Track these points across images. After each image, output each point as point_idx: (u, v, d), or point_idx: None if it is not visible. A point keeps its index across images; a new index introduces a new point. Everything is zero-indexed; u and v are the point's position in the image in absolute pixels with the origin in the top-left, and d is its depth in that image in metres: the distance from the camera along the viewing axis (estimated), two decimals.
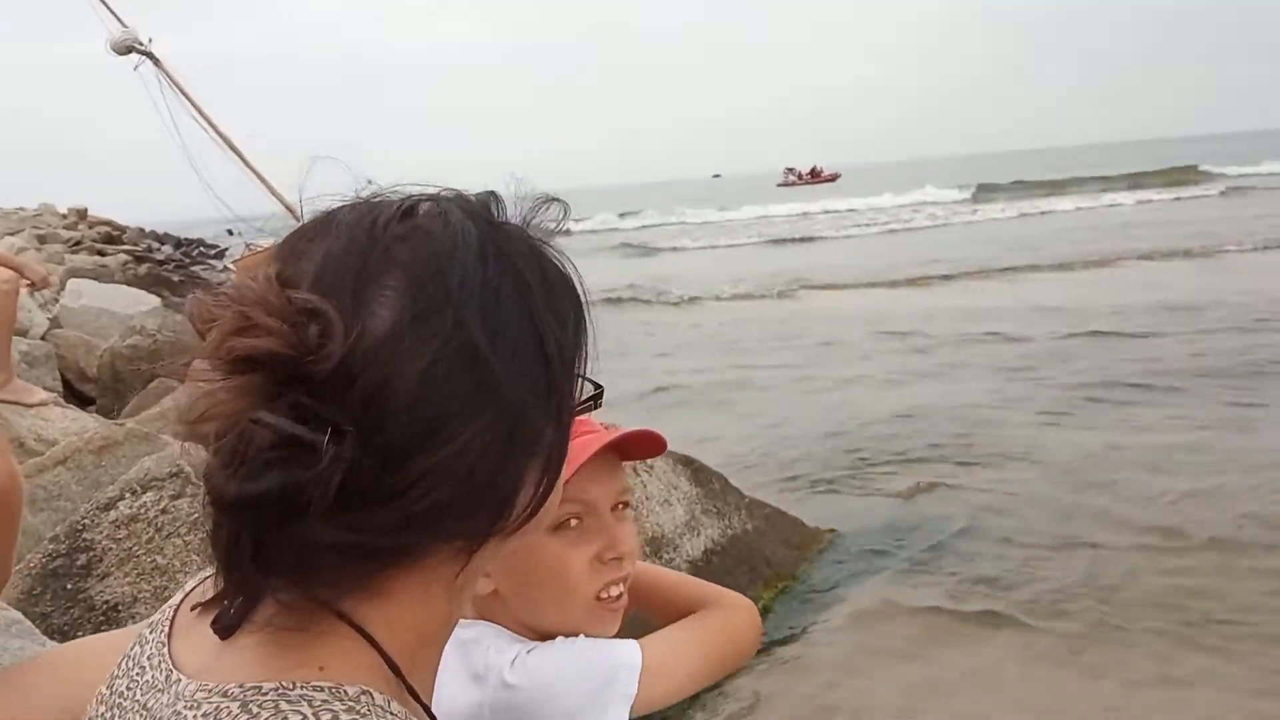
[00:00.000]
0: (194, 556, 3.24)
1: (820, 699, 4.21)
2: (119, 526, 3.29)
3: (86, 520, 3.33)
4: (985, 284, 17.04)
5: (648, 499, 4.55)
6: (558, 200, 0.73)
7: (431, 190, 0.69)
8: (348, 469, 0.58)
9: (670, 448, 1.52)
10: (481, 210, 0.69)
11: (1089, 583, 5.05)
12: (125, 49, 8.15)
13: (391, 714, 0.62)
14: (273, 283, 0.59)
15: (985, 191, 47.43)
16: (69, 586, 3.20)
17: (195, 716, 0.59)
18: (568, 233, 0.73)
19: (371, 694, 0.61)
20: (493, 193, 0.71)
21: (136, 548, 3.26)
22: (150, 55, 8.16)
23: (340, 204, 0.68)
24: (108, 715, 0.68)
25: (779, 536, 5.26)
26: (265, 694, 0.59)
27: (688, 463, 5.04)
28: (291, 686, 0.60)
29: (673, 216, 50.37)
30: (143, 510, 3.32)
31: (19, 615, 2.57)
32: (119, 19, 8.45)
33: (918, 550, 5.63)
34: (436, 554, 0.65)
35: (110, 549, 3.26)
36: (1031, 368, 9.91)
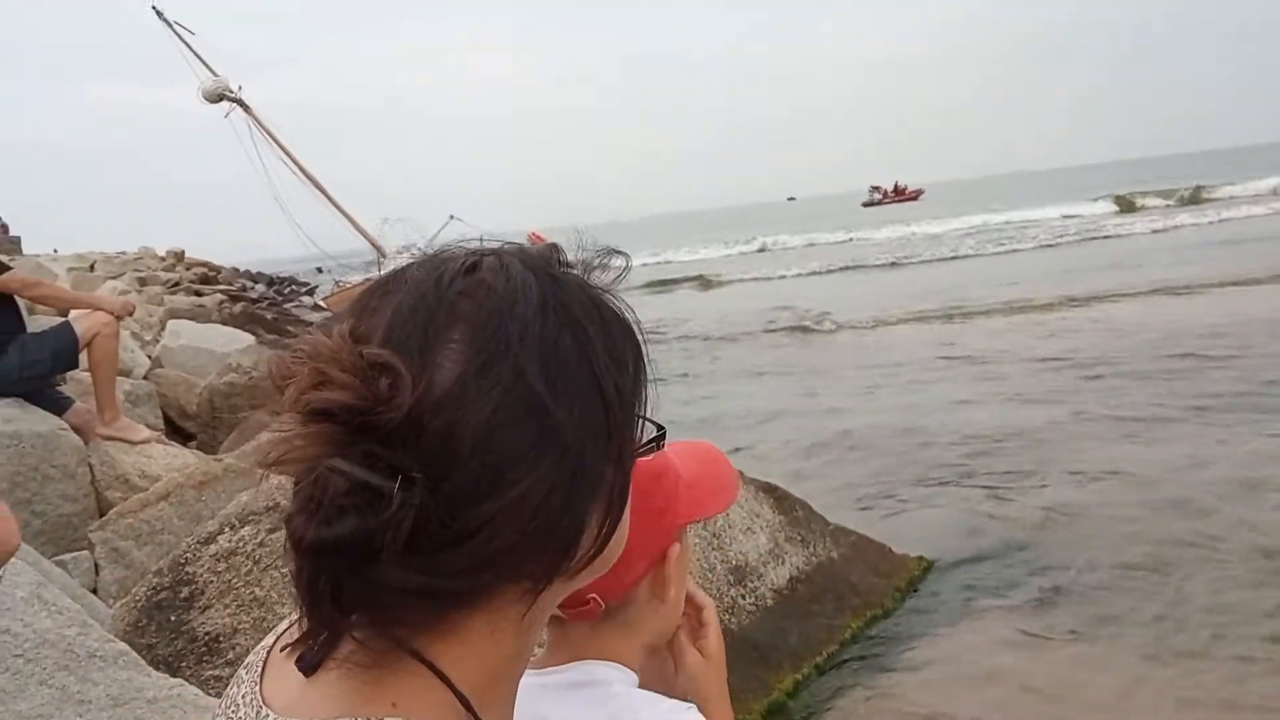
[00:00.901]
0: (291, 589, 3.33)
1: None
2: (219, 560, 3.40)
3: (188, 554, 3.45)
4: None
5: (730, 527, 4.54)
6: (619, 252, 0.77)
7: (495, 245, 0.73)
8: (417, 514, 0.60)
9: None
10: (542, 263, 0.72)
11: (1205, 608, 4.88)
12: (217, 97, 8.51)
13: None
14: (346, 338, 0.63)
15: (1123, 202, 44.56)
16: (173, 619, 3.32)
17: None
18: (621, 277, 0.76)
19: None
20: (554, 245, 0.75)
21: (236, 580, 3.36)
22: (240, 102, 8.50)
23: (410, 260, 0.72)
24: None
25: (866, 564, 5.20)
26: None
27: (770, 490, 5.01)
28: None
29: (770, 239, 49.51)
30: (241, 544, 3.43)
31: (126, 647, 2.68)
32: (210, 69, 8.82)
33: (1014, 578, 5.51)
34: (504, 594, 0.67)
35: (211, 581, 3.37)
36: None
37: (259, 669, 0.74)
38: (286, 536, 0.64)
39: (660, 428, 0.83)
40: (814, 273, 30.80)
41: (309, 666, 0.67)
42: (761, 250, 46.40)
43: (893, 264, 30.49)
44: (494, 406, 0.64)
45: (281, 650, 0.73)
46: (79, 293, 5.63)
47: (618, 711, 1.07)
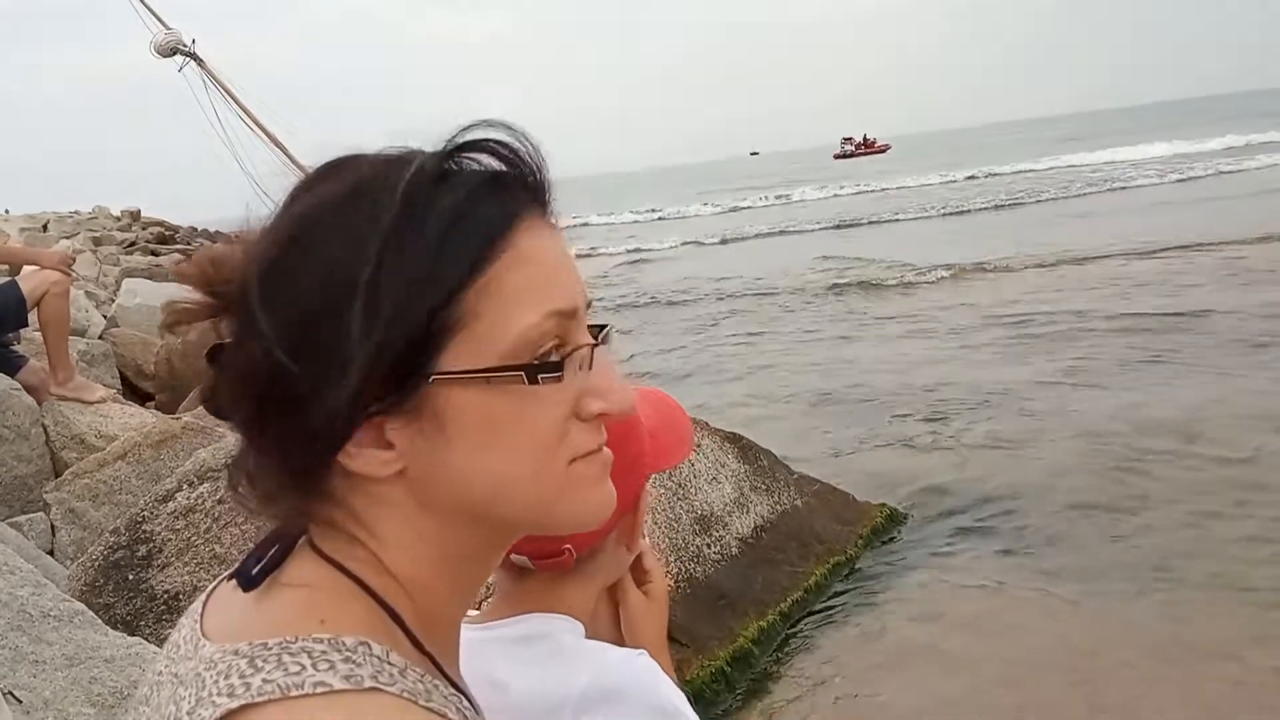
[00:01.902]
0: (251, 545, 3.30)
1: (878, 672, 4.19)
2: (177, 517, 3.36)
3: (146, 512, 3.40)
4: None
5: (695, 476, 4.55)
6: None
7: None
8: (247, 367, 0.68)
9: None
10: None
11: (1161, 556, 4.96)
12: (170, 51, 8.29)
13: (390, 663, 0.65)
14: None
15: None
16: (130, 577, 3.28)
17: (210, 675, 0.62)
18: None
19: (369, 644, 0.65)
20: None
21: (195, 538, 3.32)
22: (194, 56, 8.29)
23: None
24: (147, 694, 0.70)
25: (830, 512, 5.24)
26: (270, 649, 0.62)
27: (735, 439, 5.03)
28: (294, 640, 0.63)
29: (759, 197, 47.42)
30: (200, 501, 3.39)
31: (82, 606, 2.64)
32: (162, 22, 8.59)
33: (977, 522, 5.59)
34: (350, 459, 0.69)
35: (169, 540, 3.33)
36: None
37: (199, 611, 0.72)
38: None
39: (600, 327, 0.78)
40: (859, 222, 28.65)
41: (246, 580, 0.68)
42: (780, 201, 44.53)
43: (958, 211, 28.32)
44: (260, 266, 0.66)
45: (228, 580, 0.73)
46: (14, 248, 5.53)
47: (568, 661, 1.05)
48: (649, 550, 1.27)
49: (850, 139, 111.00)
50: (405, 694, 0.63)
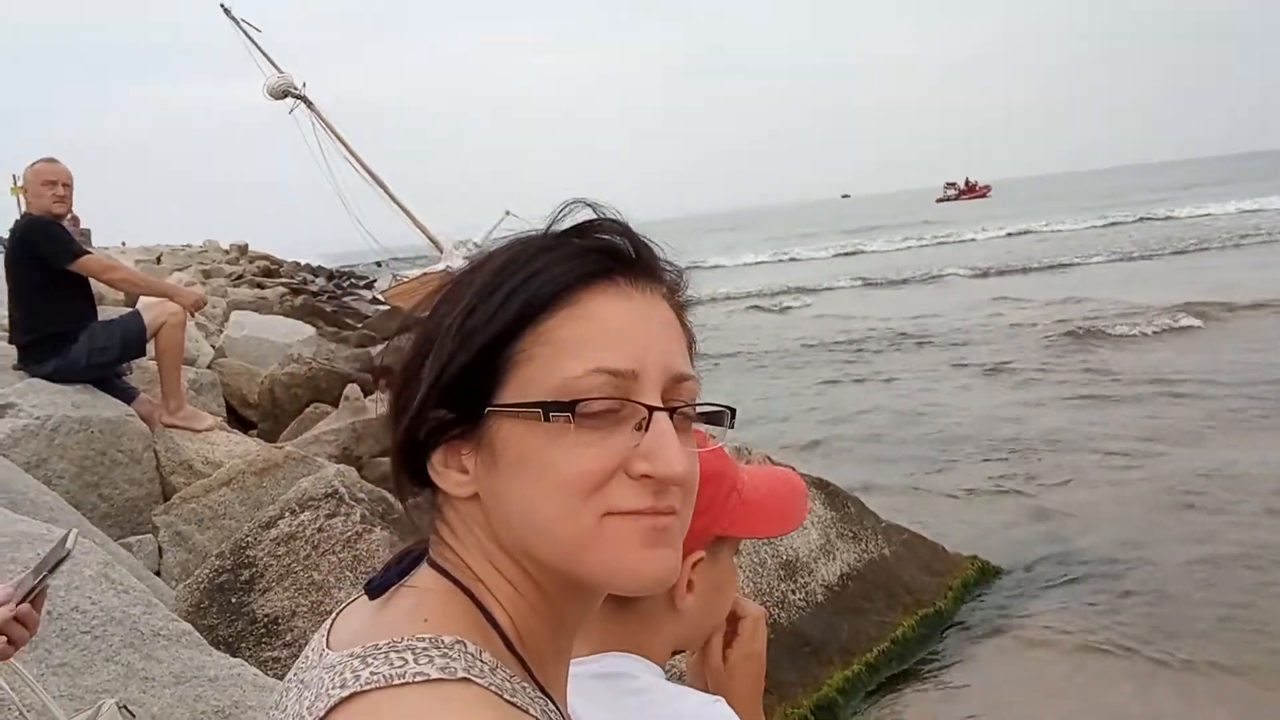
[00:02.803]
0: (347, 573, 3.40)
1: None
2: (279, 544, 3.48)
3: (249, 538, 3.53)
4: None
5: None
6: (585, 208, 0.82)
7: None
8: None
9: None
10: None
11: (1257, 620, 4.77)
12: (281, 93, 8.64)
13: (482, 661, 0.71)
14: None
15: None
16: (234, 600, 3.40)
17: (328, 675, 0.70)
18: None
19: (465, 643, 0.71)
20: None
21: (295, 564, 3.44)
22: (304, 99, 8.63)
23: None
24: (277, 700, 0.77)
25: (918, 562, 5.16)
26: (380, 648, 0.70)
27: (822, 485, 5.00)
28: (400, 640, 0.70)
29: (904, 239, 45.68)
30: (300, 529, 3.50)
31: (189, 627, 2.76)
32: (275, 66, 8.96)
33: (1072, 580, 5.45)
34: (440, 478, 0.80)
35: (271, 565, 3.45)
36: None
37: (327, 627, 0.80)
38: None
39: (730, 408, 0.85)
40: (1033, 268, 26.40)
41: (372, 589, 0.78)
42: (935, 240, 42.86)
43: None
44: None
45: (358, 597, 0.82)
46: (153, 278, 5.76)
47: (645, 703, 1.08)
48: (750, 617, 1.29)
49: (954, 184, 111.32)
50: (493, 688, 0.69)
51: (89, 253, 5.28)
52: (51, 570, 1.64)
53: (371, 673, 0.67)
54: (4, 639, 1.62)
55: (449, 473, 0.77)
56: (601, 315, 0.75)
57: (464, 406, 0.75)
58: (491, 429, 0.74)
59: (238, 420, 7.77)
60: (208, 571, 3.51)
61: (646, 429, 0.74)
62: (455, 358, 0.75)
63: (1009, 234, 41.60)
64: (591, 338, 0.74)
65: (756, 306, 23.01)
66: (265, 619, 3.36)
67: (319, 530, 3.49)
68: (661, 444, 0.74)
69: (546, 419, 0.72)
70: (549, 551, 0.74)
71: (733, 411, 0.84)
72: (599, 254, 0.77)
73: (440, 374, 0.75)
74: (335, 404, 6.93)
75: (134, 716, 2.00)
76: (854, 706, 4.22)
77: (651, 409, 0.74)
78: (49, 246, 4.99)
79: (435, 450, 0.77)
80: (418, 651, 0.69)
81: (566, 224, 0.80)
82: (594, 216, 0.80)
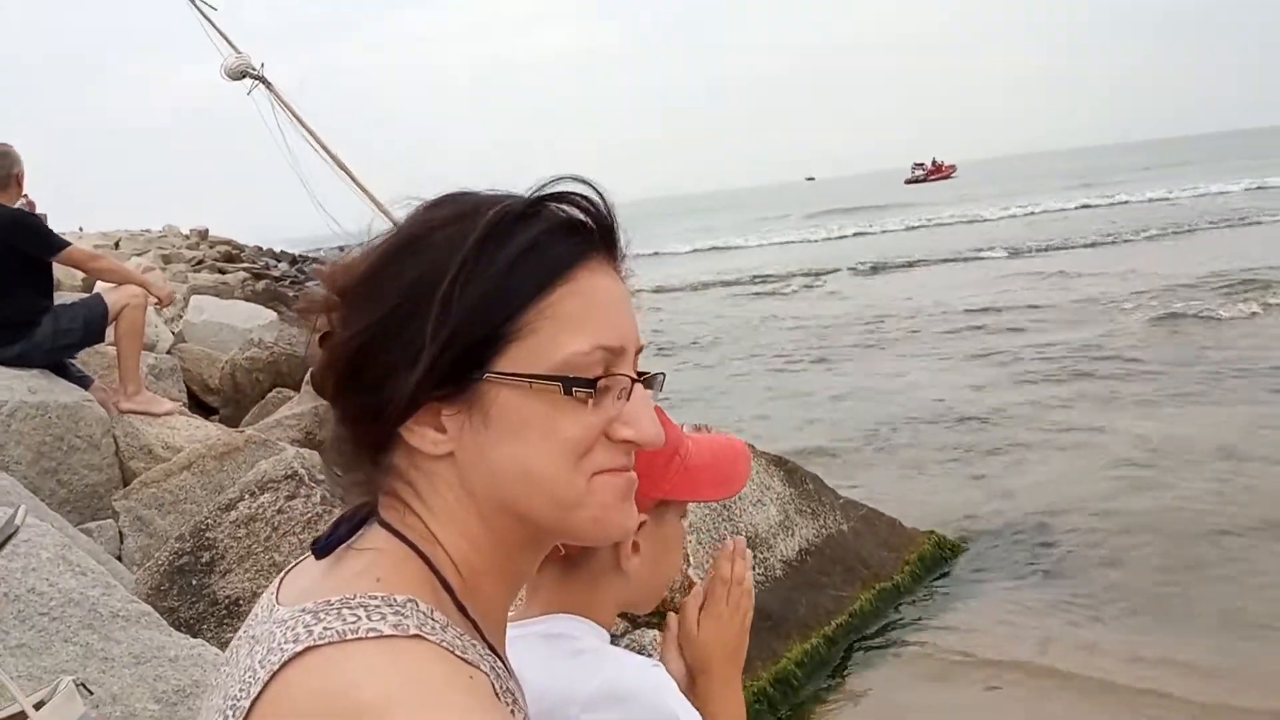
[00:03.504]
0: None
1: (922, 705, 4.20)
2: (239, 526, 3.49)
3: (209, 520, 3.54)
4: None
5: (740, 499, 4.59)
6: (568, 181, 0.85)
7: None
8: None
9: None
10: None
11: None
12: (239, 74, 8.51)
13: (434, 620, 0.75)
14: None
15: None
16: (194, 582, 3.41)
17: (280, 630, 0.72)
18: None
19: (417, 601, 0.75)
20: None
21: (255, 545, 3.45)
22: (263, 80, 8.51)
23: None
24: (227, 657, 0.80)
25: (876, 537, 5.25)
26: (333, 604, 0.73)
27: (780, 463, 5.07)
28: (353, 596, 0.73)
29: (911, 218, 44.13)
30: (260, 510, 3.51)
31: (148, 608, 2.77)
32: (233, 45, 8.83)
33: (1027, 556, 5.56)
34: (407, 436, 0.81)
35: (231, 547, 3.46)
36: None
37: (276, 586, 0.84)
38: None
39: (650, 374, 0.88)
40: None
41: (318, 549, 0.80)
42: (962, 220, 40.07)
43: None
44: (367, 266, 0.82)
45: (304, 557, 0.85)
46: (132, 270, 5.77)
47: (585, 663, 1.13)
48: (720, 583, 1.33)
49: (921, 164, 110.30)
50: (444, 644, 0.73)
51: (69, 244, 5.27)
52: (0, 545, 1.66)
53: (325, 628, 0.70)
54: None
55: (425, 430, 0.79)
56: (594, 292, 0.81)
57: (460, 373, 0.77)
58: (485, 394, 0.78)
59: (199, 405, 7.71)
60: (167, 554, 3.51)
61: (628, 398, 0.82)
62: (461, 329, 0.77)
63: (1030, 213, 39.71)
64: (588, 314, 0.80)
65: (833, 292, 21.12)
66: (226, 600, 3.37)
67: (279, 512, 3.50)
68: (644, 412, 0.82)
69: (568, 393, 0.77)
70: (543, 507, 0.80)
71: (663, 376, 0.91)
72: (588, 231, 0.83)
73: (447, 343, 0.76)
74: (297, 388, 6.91)
75: (92, 694, 2.01)
76: (815, 681, 4.30)
77: (633, 380, 0.82)
78: (35, 240, 5.02)
79: (413, 412, 0.79)
80: (370, 608, 0.72)
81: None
82: (578, 189, 0.84)
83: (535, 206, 0.81)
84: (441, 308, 0.76)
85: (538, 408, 0.78)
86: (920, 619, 4.84)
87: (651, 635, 3.41)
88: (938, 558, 5.48)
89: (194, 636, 2.90)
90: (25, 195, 5.34)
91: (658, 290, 23.66)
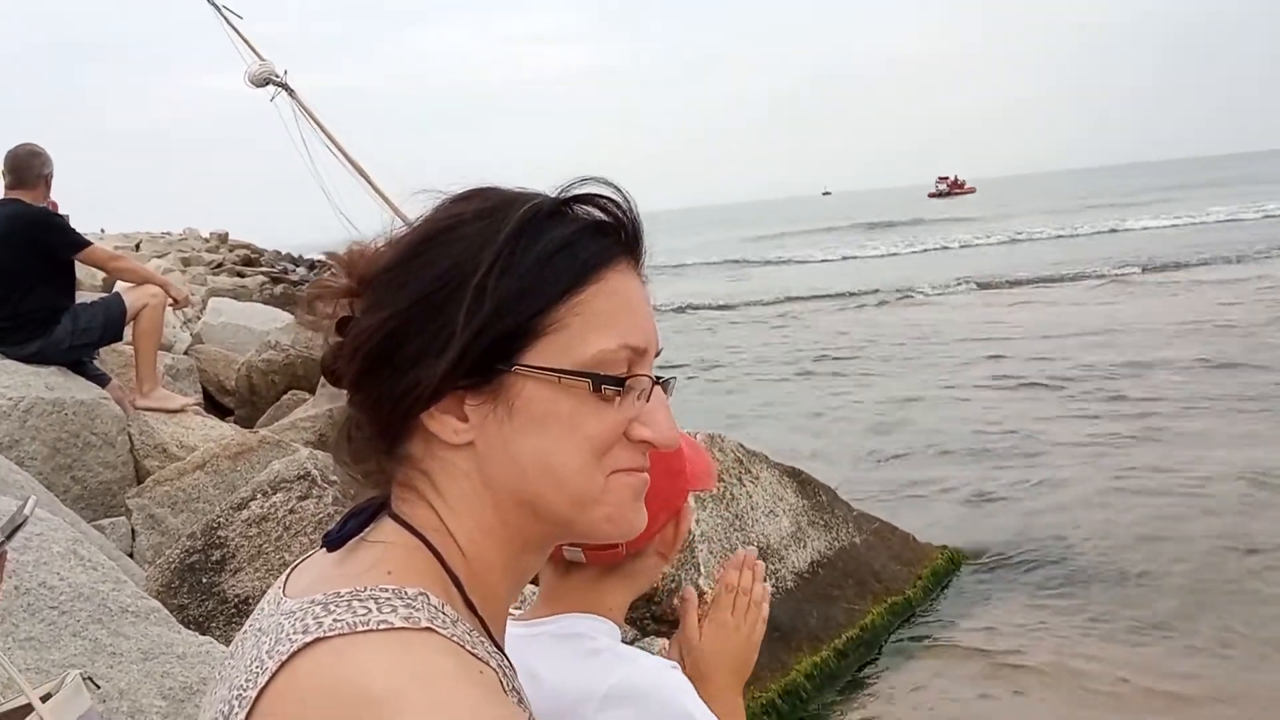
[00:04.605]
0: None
1: (931, 713, 4.16)
2: (250, 525, 3.49)
3: (221, 519, 3.54)
4: None
5: (753, 509, 4.57)
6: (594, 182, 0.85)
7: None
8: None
9: None
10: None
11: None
12: (263, 81, 8.58)
13: (444, 614, 0.74)
14: None
15: None
16: (204, 580, 3.41)
17: (288, 621, 0.72)
18: None
19: (428, 595, 0.75)
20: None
21: (266, 545, 3.45)
22: (285, 87, 8.57)
23: None
24: (233, 650, 0.80)
25: (889, 551, 5.21)
26: (343, 596, 0.73)
27: (794, 474, 5.04)
28: (364, 589, 0.73)
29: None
30: (272, 510, 3.51)
31: (158, 604, 2.77)
32: (257, 53, 8.91)
33: (1041, 570, 5.52)
34: (425, 426, 0.81)
35: (242, 546, 3.46)
36: None
37: (283, 580, 0.83)
38: None
39: (663, 379, 0.90)
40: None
41: (331, 541, 0.80)
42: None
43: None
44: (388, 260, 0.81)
45: (314, 551, 0.84)
46: (152, 271, 5.87)
47: (601, 663, 1.12)
48: (728, 590, 1.33)
49: (945, 178, 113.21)
50: (455, 638, 0.72)
51: (90, 243, 5.35)
52: (9, 536, 1.66)
53: (335, 619, 0.70)
54: None
55: (448, 419, 0.79)
56: (623, 292, 0.82)
57: (488, 364, 0.78)
58: (511, 386, 0.78)
59: (215, 406, 7.75)
60: (178, 552, 3.52)
61: (648, 399, 0.82)
62: (493, 320, 0.77)
63: (1112, 230, 36.38)
64: (617, 314, 0.81)
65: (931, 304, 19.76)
66: (236, 599, 3.37)
67: (291, 512, 3.50)
68: (662, 414, 0.83)
69: (596, 390, 0.78)
70: (561, 502, 0.80)
71: (675, 380, 0.91)
72: (617, 233, 0.84)
73: (479, 332, 0.77)
74: (312, 391, 6.93)
75: (99, 689, 2.01)
76: (824, 695, 4.27)
77: (654, 382, 0.83)
78: (58, 238, 5.11)
79: (438, 399, 0.79)
80: (380, 600, 0.71)
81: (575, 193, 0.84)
82: (606, 192, 0.84)
83: (564, 206, 0.83)
84: (475, 297, 0.77)
85: (564, 402, 0.78)
86: (932, 634, 4.80)
87: (660, 644, 3.39)
88: (950, 573, 5.45)
89: (203, 634, 2.90)
90: (50, 197, 5.41)
91: (790, 300, 22.43)
